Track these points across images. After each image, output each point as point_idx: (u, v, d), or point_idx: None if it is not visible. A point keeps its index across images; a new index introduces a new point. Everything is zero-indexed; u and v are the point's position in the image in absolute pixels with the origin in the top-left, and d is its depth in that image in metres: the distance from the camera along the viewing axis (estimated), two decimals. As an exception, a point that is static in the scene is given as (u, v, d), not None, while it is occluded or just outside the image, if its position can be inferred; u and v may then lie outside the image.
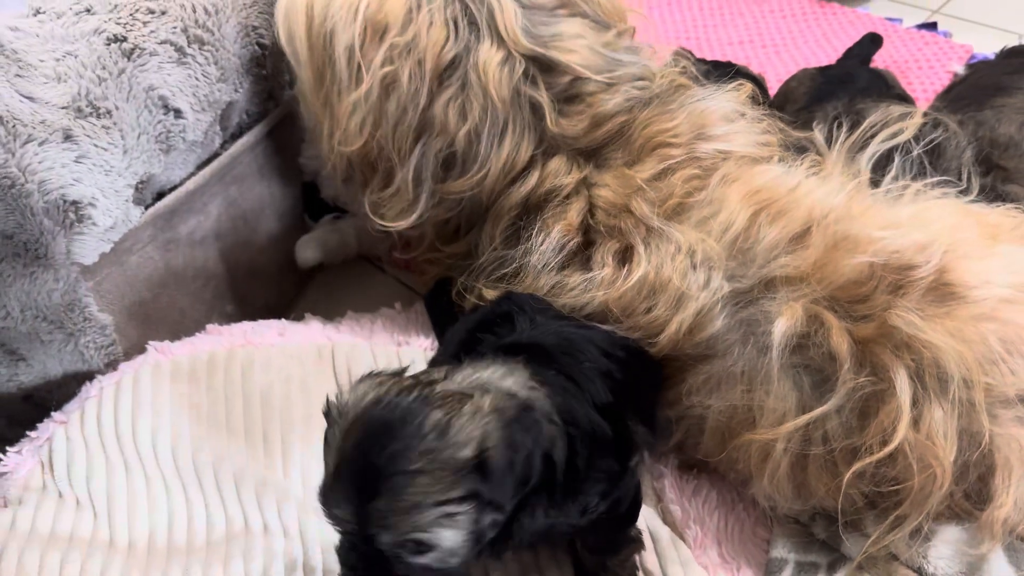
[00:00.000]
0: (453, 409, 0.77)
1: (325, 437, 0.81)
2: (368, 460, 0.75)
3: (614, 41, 1.24)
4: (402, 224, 1.23)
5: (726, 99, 1.22)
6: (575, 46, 1.19)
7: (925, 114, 1.37)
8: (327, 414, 0.82)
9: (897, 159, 1.25)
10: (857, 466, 0.95)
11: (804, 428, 0.98)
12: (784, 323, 0.98)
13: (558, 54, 1.17)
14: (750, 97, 1.25)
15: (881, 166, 1.25)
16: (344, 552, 0.81)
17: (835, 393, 0.96)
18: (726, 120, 1.19)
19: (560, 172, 1.18)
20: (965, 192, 1.24)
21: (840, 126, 1.28)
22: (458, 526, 0.77)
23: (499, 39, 1.16)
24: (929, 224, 1.03)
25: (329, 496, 0.77)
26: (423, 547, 0.76)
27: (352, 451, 0.76)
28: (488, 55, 1.15)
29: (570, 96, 1.20)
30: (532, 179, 1.19)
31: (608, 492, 0.93)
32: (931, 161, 1.31)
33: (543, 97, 1.17)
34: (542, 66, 1.18)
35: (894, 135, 1.26)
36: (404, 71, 1.14)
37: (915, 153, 1.28)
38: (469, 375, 0.86)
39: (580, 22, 1.22)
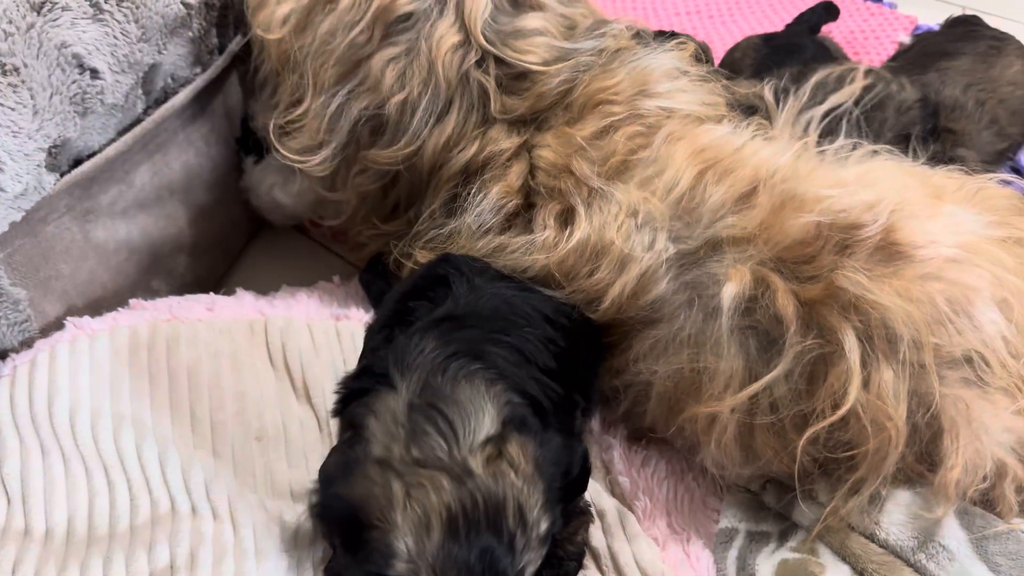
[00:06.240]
0: (501, 476, 0.78)
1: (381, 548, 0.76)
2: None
3: (579, 24, 1.21)
4: (309, 162, 1.17)
5: (668, 57, 1.19)
6: (533, 45, 1.16)
7: (867, 73, 1.35)
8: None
9: (844, 124, 1.23)
10: (809, 432, 0.93)
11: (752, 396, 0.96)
12: (733, 287, 0.96)
13: (514, 55, 1.14)
14: (693, 56, 1.22)
15: (828, 131, 1.24)
16: None
17: (783, 357, 0.94)
18: (668, 77, 1.17)
19: (500, 139, 1.15)
20: (912, 153, 1.22)
21: (787, 92, 1.27)
22: None
23: (462, 22, 1.12)
24: (875, 183, 1.02)
25: None
26: None
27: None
28: (445, 32, 1.11)
29: (517, 75, 1.17)
30: (472, 148, 1.16)
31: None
32: (870, 118, 1.29)
33: (491, 84, 1.15)
34: (497, 60, 1.15)
35: (840, 100, 1.25)
36: None
37: (855, 115, 1.27)
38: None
39: (541, 16, 1.18)
